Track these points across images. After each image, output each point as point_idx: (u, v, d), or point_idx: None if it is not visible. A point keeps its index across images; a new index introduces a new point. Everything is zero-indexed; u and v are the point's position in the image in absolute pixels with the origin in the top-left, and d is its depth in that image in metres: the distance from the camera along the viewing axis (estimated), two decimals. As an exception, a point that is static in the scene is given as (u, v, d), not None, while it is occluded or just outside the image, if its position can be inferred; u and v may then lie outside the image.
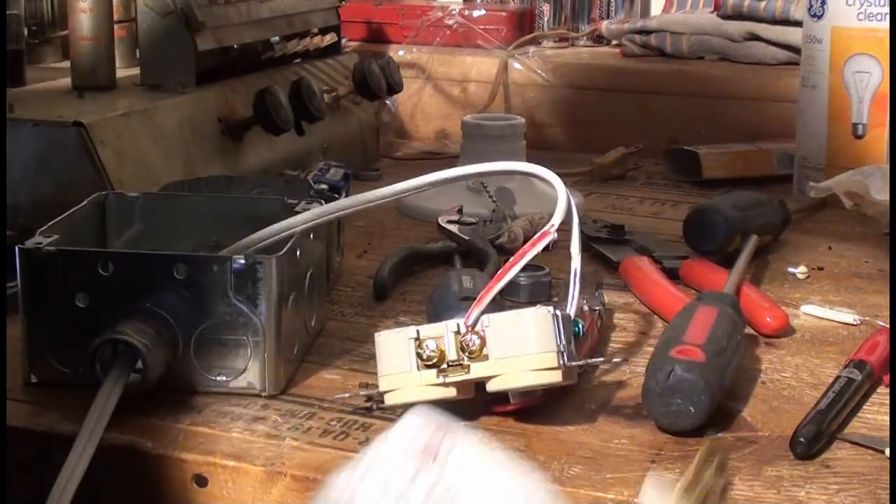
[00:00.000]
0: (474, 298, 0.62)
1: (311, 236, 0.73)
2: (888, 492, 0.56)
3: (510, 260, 0.63)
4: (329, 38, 1.27)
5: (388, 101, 1.39)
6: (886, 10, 1.07)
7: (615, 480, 0.57)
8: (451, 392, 0.62)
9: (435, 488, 0.43)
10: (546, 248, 0.65)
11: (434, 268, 0.91)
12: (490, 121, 1.09)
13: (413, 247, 0.92)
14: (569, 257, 0.68)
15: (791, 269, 0.91)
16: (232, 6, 1.08)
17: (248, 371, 0.66)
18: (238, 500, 0.59)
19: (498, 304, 0.72)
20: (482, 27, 1.51)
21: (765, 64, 1.42)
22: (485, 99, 1.43)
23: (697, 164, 1.22)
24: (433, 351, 0.61)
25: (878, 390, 0.68)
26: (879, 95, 1.09)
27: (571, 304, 0.66)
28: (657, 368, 0.62)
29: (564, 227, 0.67)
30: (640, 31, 1.52)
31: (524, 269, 0.64)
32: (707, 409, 0.61)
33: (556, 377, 0.60)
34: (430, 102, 1.45)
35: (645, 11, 1.65)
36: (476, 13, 1.54)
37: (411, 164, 1.31)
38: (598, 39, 1.62)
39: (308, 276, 0.72)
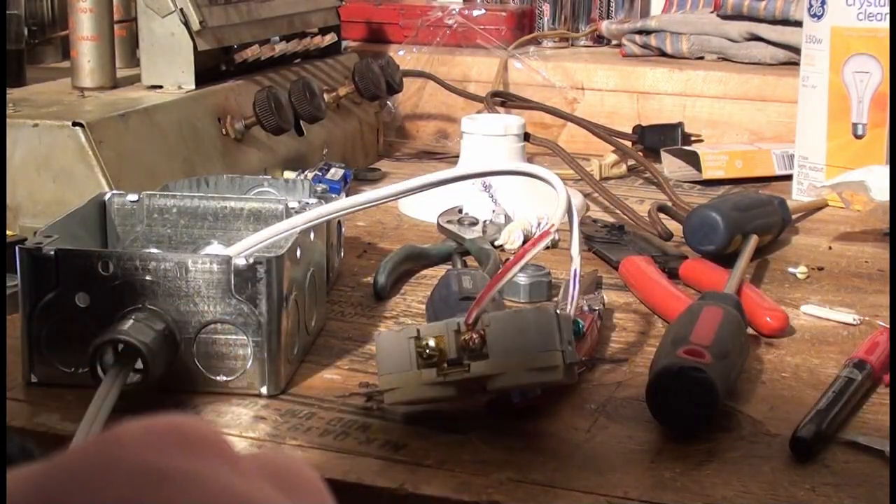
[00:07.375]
0: (474, 298, 0.62)
1: (311, 236, 0.73)
2: (888, 492, 0.56)
3: (510, 260, 0.63)
4: (329, 38, 1.27)
5: (388, 102, 1.39)
6: (886, 10, 1.07)
7: (615, 480, 0.57)
8: (450, 391, 0.61)
9: None
10: (547, 248, 0.65)
11: (434, 268, 0.91)
12: (490, 121, 1.09)
13: (413, 247, 0.92)
14: (569, 257, 0.68)
15: (791, 269, 0.91)
16: (232, 6, 1.08)
17: (248, 371, 0.65)
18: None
19: (498, 304, 0.72)
20: (482, 27, 1.51)
21: (765, 64, 1.42)
22: (485, 99, 1.42)
23: (697, 163, 1.22)
24: (433, 350, 0.61)
25: (878, 390, 0.68)
26: (879, 95, 1.09)
27: (571, 304, 0.66)
28: (663, 368, 0.62)
29: (564, 227, 0.67)
30: (640, 31, 1.52)
31: (524, 269, 0.64)
32: (711, 411, 0.61)
33: (556, 376, 0.60)
34: (430, 102, 1.45)
35: (645, 11, 1.65)
36: (476, 13, 1.53)
37: (411, 164, 1.31)
38: (598, 39, 1.62)
39: (308, 276, 0.72)
